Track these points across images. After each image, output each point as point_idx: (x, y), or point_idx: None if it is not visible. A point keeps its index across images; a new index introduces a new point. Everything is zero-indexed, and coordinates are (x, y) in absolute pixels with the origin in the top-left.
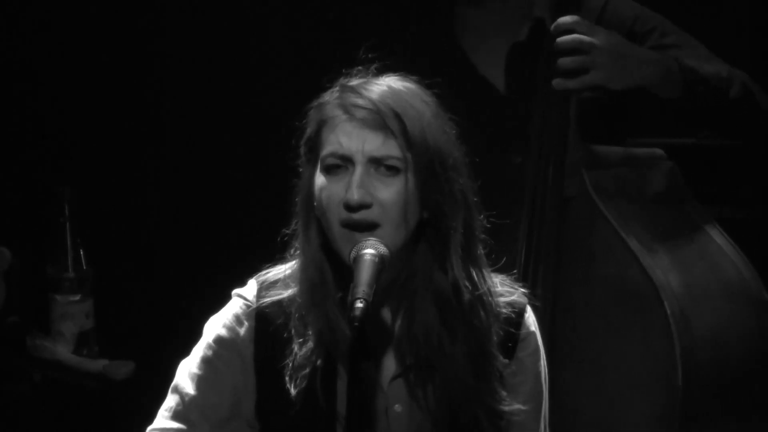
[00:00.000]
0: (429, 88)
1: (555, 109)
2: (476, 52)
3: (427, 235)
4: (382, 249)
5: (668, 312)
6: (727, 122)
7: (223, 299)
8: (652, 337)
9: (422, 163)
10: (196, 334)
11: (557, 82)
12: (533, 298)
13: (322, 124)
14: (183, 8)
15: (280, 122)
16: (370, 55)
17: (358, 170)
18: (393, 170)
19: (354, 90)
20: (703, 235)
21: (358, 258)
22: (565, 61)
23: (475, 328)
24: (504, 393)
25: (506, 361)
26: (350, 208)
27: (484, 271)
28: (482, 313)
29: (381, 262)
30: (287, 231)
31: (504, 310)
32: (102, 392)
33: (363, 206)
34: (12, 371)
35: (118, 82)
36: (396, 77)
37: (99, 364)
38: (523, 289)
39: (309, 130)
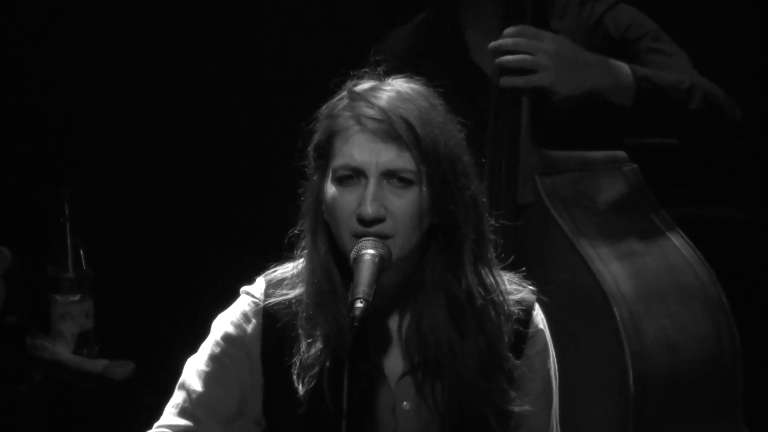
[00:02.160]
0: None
1: (506, 113)
2: (476, 48)
3: (437, 238)
4: (382, 249)
5: (618, 317)
6: (688, 132)
7: (222, 299)
8: (603, 342)
9: (435, 173)
10: (196, 334)
11: (504, 80)
12: (541, 295)
13: (333, 134)
14: (184, 8)
15: (283, 120)
16: (377, 58)
17: (372, 183)
18: (406, 182)
19: (364, 98)
20: (660, 237)
21: (358, 258)
22: (507, 59)
23: (486, 329)
24: (514, 394)
25: (517, 362)
26: (364, 222)
27: (494, 272)
28: (493, 314)
29: (381, 262)
30: (295, 231)
31: (513, 309)
32: (102, 392)
33: (377, 220)
34: (12, 371)
35: (118, 82)
36: (403, 79)
37: (99, 364)
38: (531, 287)
39: (319, 137)
